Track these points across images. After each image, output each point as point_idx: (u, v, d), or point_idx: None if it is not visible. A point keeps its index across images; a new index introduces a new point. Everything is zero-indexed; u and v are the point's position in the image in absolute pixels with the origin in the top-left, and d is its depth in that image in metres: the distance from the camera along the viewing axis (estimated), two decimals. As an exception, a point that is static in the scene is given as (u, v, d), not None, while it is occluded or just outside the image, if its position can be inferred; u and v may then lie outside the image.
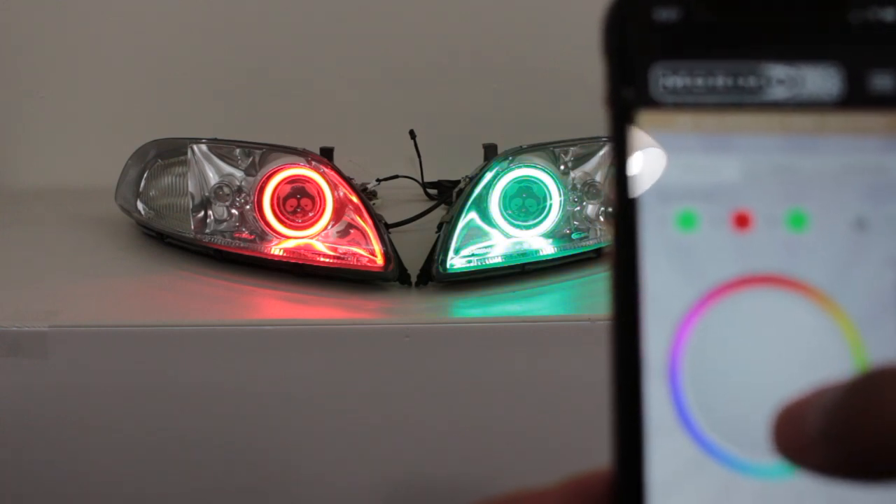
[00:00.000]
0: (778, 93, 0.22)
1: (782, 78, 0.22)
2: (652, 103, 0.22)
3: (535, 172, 0.74)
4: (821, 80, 0.22)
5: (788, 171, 0.22)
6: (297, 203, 0.74)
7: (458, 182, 0.93)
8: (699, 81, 0.22)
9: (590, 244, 0.75)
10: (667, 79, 0.22)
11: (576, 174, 0.75)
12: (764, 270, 0.22)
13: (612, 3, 0.22)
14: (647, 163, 0.22)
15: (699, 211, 0.22)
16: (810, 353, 0.22)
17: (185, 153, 0.76)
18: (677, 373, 0.22)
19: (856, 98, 0.22)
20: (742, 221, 0.22)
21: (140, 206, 0.82)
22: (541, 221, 0.74)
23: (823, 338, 0.22)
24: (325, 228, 0.74)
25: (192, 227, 0.76)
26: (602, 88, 0.22)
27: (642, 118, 0.22)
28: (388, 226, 0.77)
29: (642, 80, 0.22)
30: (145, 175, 0.81)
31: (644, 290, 0.22)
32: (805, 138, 0.22)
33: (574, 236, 0.75)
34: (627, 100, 0.22)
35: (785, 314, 0.22)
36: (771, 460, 0.21)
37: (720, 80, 0.22)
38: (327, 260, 0.72)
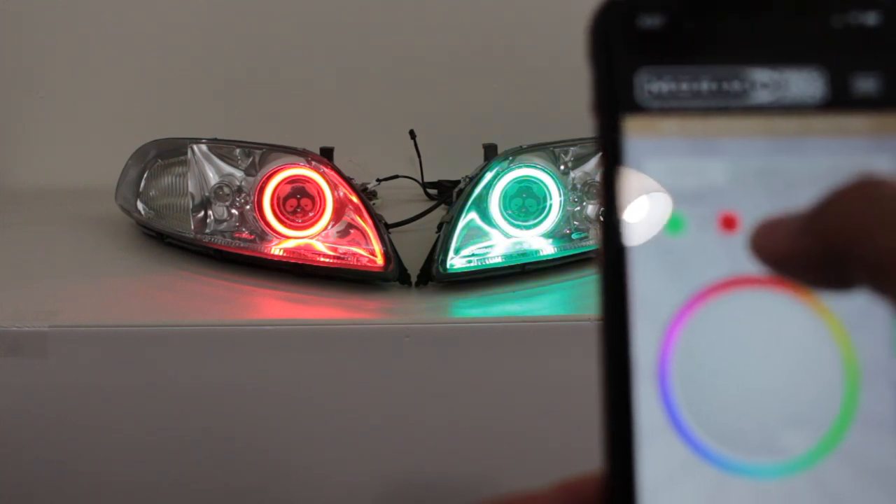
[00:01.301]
0: (762, 96, 0.23)
1: (766, 82, 0.23)
2: (638, 108, 0.22)
3: (535, 172, 0.74)
4: (804, 83, 0.22)
5: (774, 174, 0.22)
6: (297, 203, 0.74)
7: (458, 182, 0.93)
8: (684, 86, 0.23)
9: (590, 244, 0.75)
10: (652, 84, 0.22)
11: (576, 174, 0.75)
12: (752, 272, 0.22)
13: (597, 10, 0.23)
14: (633, 168, 0.22)
15: (686, 214, 0.22)
16: (799, 353, 0.22)
17: (185, 153, 0.76)
18: (667, 375, 0.22)
19: (839, 100, 0.22)
20: (729, 223, 0.22)
21: (140, 206, 0.82)
22: (541, 221, 0.74)
23: (812, 338, 0.22)
24: (325, 228, 0.74)
25: (192, 227, 0.76)
26: (588, 94, 0.23)
27: (629, 123, 0.22)
28: (388, 226, 0.77)
29: (628, 85, 0.22)
30: (145, 175, 0.81)
31: (633, 294, 0.22)
32: (790, 141, 0.22)
33: (574, 236, 0.75)
34: (614, 105, 0.22)
35: (773, 315, 0.22)
36: (762, 460, 0.21)
37: (705, 85, 0.23)
38: (327, 260, 0.72)
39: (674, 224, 0.22)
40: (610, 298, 0.22)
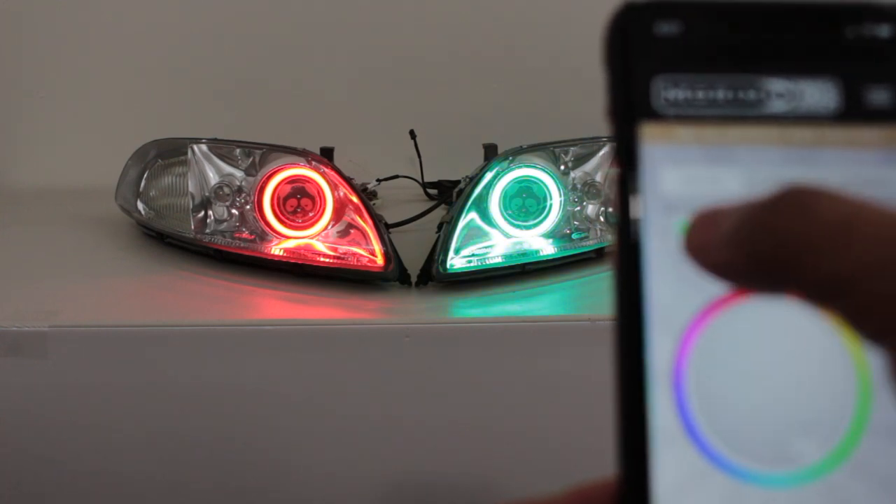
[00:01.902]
0: (777, 106, 0.23)
1: (781, 92, 0.23)
2: (654, 115, 0.22)
3: (536, 172, 0.74)
4: (819, 94, 0.23)
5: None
6: (298, 203, 0.74)
7: (458, 182, 0.93)
8: (700, 94, 0.23)
9: (590, 244, 0.75)
10: (668, 91, 0.23)
11: (576, 174, 0.75)
12: None
13: (614, 16, 0.23)
14: (649, 174, 0.22)
15: None
16: (813, 363, 0.22)
17: (186, 153, 0.76)
18: (682, 382, 0.22)
19: (853, 112, 0.22)
20: None
21: (140, 206, 0.82)
22: (541, 221, 0.74)
23: (826, 347, 0.22)
24: (326, 228, 0.74)
25: (192, 227, 0.76)
26: (604, 100, 0.23)
27: (644, 130, 0.22)
28: (388, 226, 0.77)
29: (644, 92, 0.22)
30: (145, 175, 0.81)
31: (648, 301, 0.22)
32: (804, 151, 0.22)
33: (574, 236, 0.75)
34: (629, 112, 0.22)
35: (788, 324, 0.22)
36: (775, 469, 0.21)
37: (721, 93, 0.23)
38: (327, 260, 0.72)
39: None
40: (625, 306, 0.22)
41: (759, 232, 0.21)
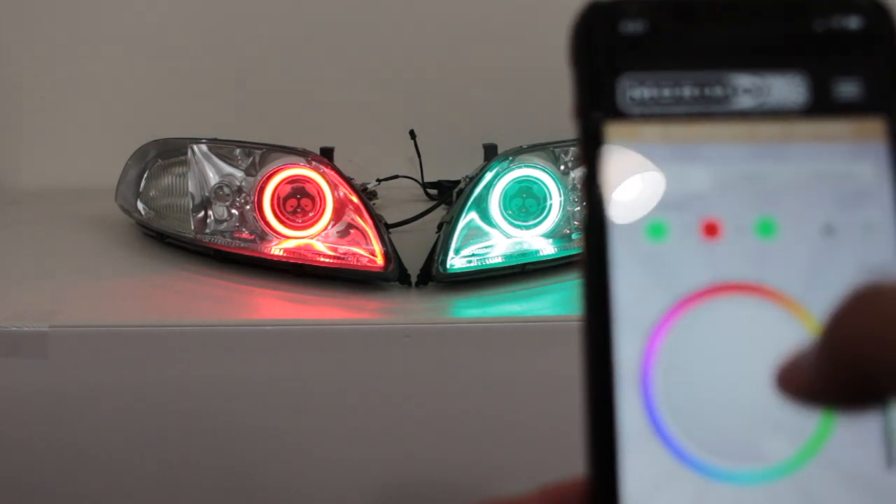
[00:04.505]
0: (745, 102, 0.22)
1: (748, 87, 0.23)
2: (620, 115, 0.22)
3: (536, 172, 0.74)
4: (787, 88, 0.22)
5: (756, 180, 0.22)
6: (298, 203, 0.74)
7: (458, 182, 0.93)
8: (666, 92, 0.22)
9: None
10: (634, 90, 0.22)
11: (576, 174, 0.75)
12: (734, 278, 0.22)
13: (579, 16, 0.23)
14: (615, 174, 0.22)
15: (669, 220, 0.22)
16: (781, 359, 0.22)
17: (185, 153, 0.76)
18: (650, 381, 0.22)
19: (821, 106, 0.22)
20: (711, 230, 0.22)
21: (140, 206, 0.82)
22: (541, 221, 0.74)
23: (793, 343, 0.22)
24: (325, 228, 0.74)
25: (192, 227, 0.76)
26: (570, 100, 0.23)
27: (610, 130, 0.22)
28: (388, 226, 0.77)
29: (610, 91, 0.22)
30: (145, 175, 0.81)
31: (615, 300, 0.22)
32: (772, 146, 0.22)
33: (574, 236, 0.75)
34: (595, 111, 0.22)
35: (755, 321, 0.22)
36: (744, 466, 0.21)
37: (687, 91, 0.23)
38: (327, 260, 0.72)
39: (656, 231, 0.22)
40: (592, 306, 0.22)
41: (834, 343, 0.20)
